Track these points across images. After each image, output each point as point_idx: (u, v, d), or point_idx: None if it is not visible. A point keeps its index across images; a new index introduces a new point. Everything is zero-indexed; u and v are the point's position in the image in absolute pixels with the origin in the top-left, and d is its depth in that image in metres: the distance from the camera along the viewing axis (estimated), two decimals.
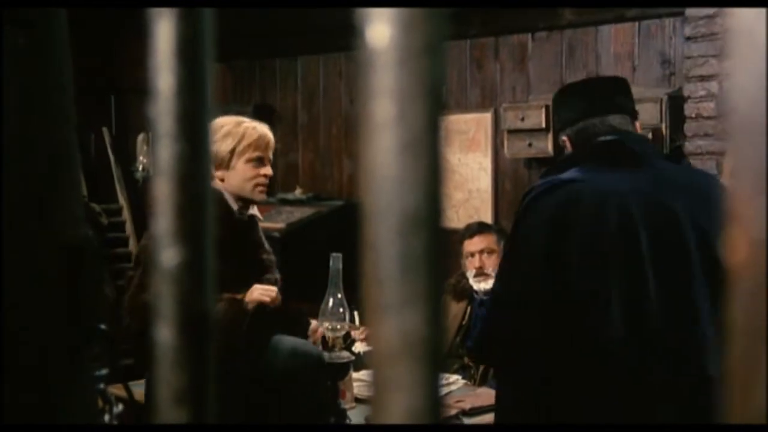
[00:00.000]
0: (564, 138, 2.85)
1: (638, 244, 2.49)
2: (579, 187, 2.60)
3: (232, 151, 3.02)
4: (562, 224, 2.52)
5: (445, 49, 0.50)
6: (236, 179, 3.04)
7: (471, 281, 4.53)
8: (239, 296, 2.98)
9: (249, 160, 3.03)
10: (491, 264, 4.51)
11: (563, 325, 2.46)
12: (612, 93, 2.95)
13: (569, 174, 2.65)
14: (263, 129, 3.11)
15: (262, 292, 2.99)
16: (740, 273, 0.48)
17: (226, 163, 3.03)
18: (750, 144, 0.45)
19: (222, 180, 3.04)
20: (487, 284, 4.48)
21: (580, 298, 2.47)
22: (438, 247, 0.51)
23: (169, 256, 0.60)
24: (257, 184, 3.07)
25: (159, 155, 0.60)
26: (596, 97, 2.91)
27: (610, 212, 2.53)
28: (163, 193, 0.60)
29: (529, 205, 2.59)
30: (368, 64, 0.49)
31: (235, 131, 3.02)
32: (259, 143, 3.06)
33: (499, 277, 2.75)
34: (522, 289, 2.53)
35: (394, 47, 0.49)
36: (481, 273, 4.51)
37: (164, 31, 0.60)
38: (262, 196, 3.12)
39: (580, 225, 2.52)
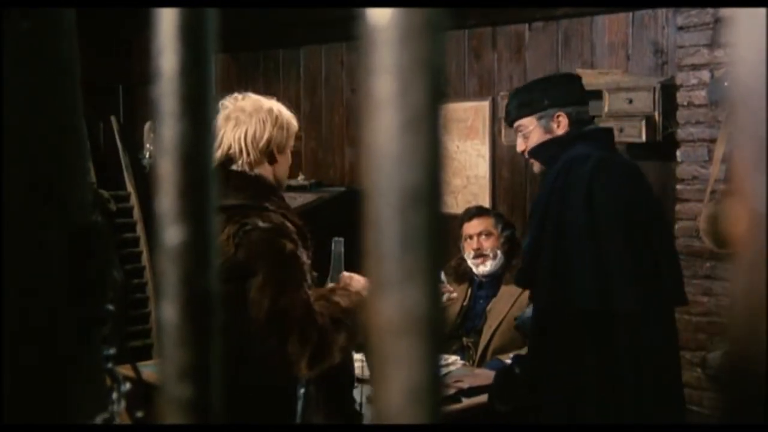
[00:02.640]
0: (561, 113, 3.30)
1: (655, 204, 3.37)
2: (620, 160, 3.36)
3: (289, 137, 2.98)
4: (630, 189, 3.23)
5: (446, 28, 0.50)
6: (286, 165, 3.01)
7: (470, 263, 4.56)
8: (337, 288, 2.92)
9: (290, 149, 3.02)
10: (489, 246, 4.56)
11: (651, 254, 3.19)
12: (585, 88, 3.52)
13: (588, 150, 3.23)
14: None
15: (363, 279, 2.86)
16: (741, 245, 0.48)
17: (282, 150, 2.97)
18: (751, 118, 0.45)
19: (276, 164, 2.96)
20: (485, 267, 4.54)
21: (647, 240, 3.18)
22: (438, 224, 0.52)
23: (172, 234, 0.61)
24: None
25: (162, 135, 0.60)
26: (584, 90, 3.46)
27: (642, 180, 3.32)
28: (167, 172, 0.60)
29: (594, 172, 3.15)
30: (369, 42, 0.50)
31: (286, 118, 2.97)
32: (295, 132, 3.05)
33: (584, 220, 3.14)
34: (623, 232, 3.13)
35: (395, 25, 0.49)
36: (479, 255, 4.56)
37: (168, 12, 0.60)
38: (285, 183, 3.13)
39: (644, 189, 3.32)
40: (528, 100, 3.37)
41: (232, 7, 4.79)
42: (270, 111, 2.94)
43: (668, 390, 3.23)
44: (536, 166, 3.36)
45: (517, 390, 3.36)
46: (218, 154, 2.89)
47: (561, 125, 3.30)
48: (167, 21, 0.60)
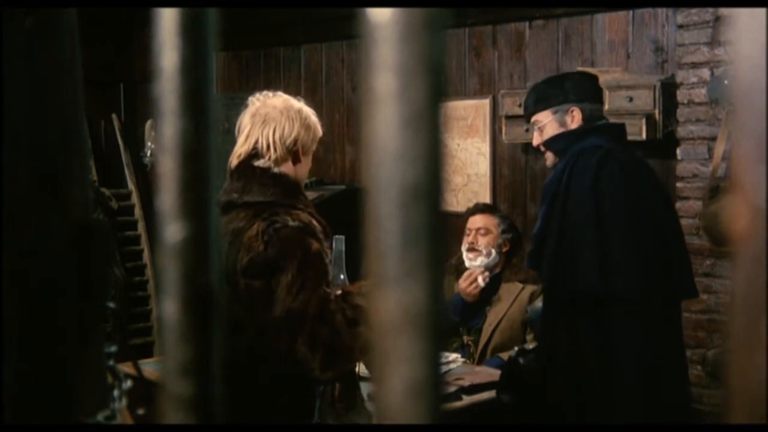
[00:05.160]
0: (575, 108, 3.42)
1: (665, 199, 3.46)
2: (628, 153, 3.40)
3: (313, 140, 3.01)
4: (636, 180, 3.30)
5: (446, 26, 0.50)
6: (306, 169, 3.03)
7: (464, 255, 4.60)
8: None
9: (313, 152, 3.04)
10: (483, 243, 4.62)
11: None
12: (600, 86, 3.66)
13: (599, 143, 3.33)
14: None
15: None
16: (742, 241, 0.48)
17: (306, 152, 2.99)
18: (752, 114, 0.45)
19: (299, 163, 2.98)
20: (475, 261, 4.57)
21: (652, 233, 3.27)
22: (438, 220, 0.52)
23: (173, 231, 0.61)
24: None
25: (163, 132, 0.60)
26: (599, 88, 3.60)
27: (650, 175, 3.42)
28: (168, 169, 0.60)
29: (602, 162, 3.25)
30: (370, 39, 0.50)
31: (313, 121, 3.00)
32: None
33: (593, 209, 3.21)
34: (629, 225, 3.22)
35: (395, 22, 0.49)
36: (472, 249, 4.59)
37: (168, 10, 0.60)
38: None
39: (652, 184, 3.39)
40: (545, 95, 3.51)
41: (233, 7, 4.80)
42: (299, 111, 2.98)
43: (668, 382, 3.26)
44: (549, 160, 3.48)
45: (522, 381, 3.41)
46: (245, 149, 2.93)
47: (575, 120, 3.43)
48: (168, 19, 0.60)
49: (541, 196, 3.44)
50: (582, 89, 3.48)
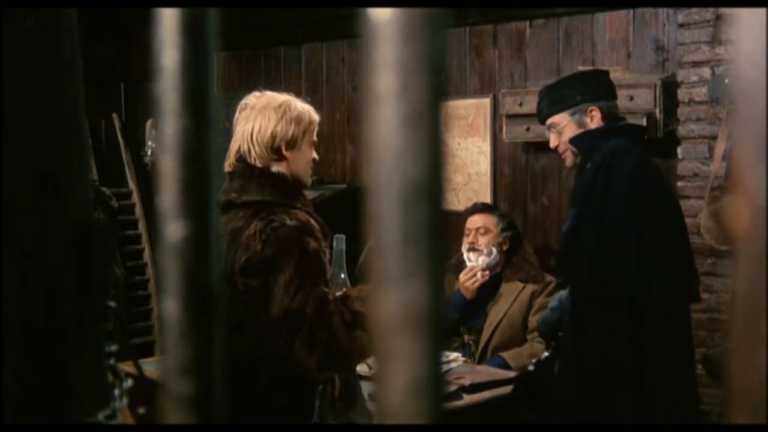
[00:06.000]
0: (594, 108, 3.41)
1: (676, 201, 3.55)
2: (652, 158, 3.46)
3: (304, 132, 2.94)
4: (664, 184, 3.42)
5: (447, 25, 0.50)
6: (302, 161, 2.96)
7: (464, 255, 4.61)
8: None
9: (310, 143, 2.98)
10: (484, 242, 4.62)
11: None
12: (612, 82, 3.60)
13: (625, 144, 3.34)
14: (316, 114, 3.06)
15: None
16: (743, 240, 0.48)
17: (293, 145, 2.93)
18: (752, 112, 0.45)
19: (286, 160, 2.93)
20: (478, 261, 4.57)
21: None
22: (439, 218, 0.52)
23: (173, 230, 0.61)
24: (310, 167, 3.04)
25: (164, 131, 0.60)
26: (612, 84, 3.55)
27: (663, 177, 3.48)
28: (168, 168, 0.60)
29: (638, 165, 3.27)
30: (370, 39, 0.50)
31: (297, 113, 2.93)
32: (315, 127, 3.01)
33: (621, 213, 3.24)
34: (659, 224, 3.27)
35: (396, 21, 0.49)
36: (472, 249, 4.60)
37: (169, 10, 0.60)
38: (310, 180, 3.08)
39: (669, 184, 3.52)
40: (560, 97, 3.48)
41: (233, 7, 4.80)
42: (278, 107, 2.92)
43: (687, 382, 3.31)
44: (569, 161, 3.47)
45: (539, 391, 3.43)
46: (233, 150, 2.92)
47: (594, 119, 3.43)
48: (168, 18, 0.60)
49: (571, 198, 3.45)
50: (596, 87, 3.47)
